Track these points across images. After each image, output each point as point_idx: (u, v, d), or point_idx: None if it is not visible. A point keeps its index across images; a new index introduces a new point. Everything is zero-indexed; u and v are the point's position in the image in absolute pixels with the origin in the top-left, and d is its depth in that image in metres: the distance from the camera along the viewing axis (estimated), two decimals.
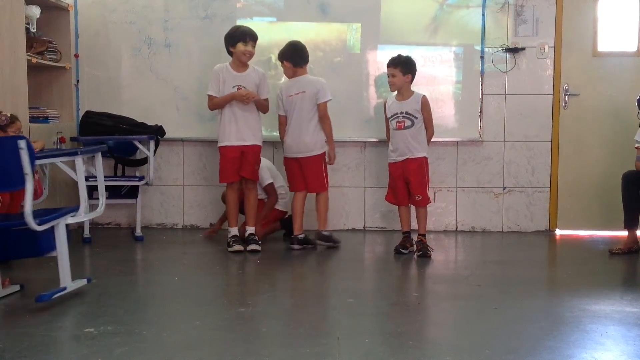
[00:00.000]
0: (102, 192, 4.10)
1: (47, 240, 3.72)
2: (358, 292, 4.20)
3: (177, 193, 5.96)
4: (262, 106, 5.15)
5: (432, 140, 5.26)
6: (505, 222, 5.92)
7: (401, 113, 5.03)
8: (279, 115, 5.23)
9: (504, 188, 5.90)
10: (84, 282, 3.94)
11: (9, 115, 4.35)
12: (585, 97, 5.81)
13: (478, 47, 5.75)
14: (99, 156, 4.09)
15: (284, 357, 2.97)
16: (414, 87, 5.12)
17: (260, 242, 5.10)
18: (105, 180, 5.45)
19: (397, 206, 5.21)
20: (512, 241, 5.65)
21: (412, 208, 5.22)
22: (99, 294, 3.93)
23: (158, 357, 2.97)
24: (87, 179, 5.23)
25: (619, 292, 4.16)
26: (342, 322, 3.50)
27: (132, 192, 5.59)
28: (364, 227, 5.97)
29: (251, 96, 5.00)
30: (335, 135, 5.73)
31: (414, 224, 5.17)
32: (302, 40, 5.29)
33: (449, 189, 5.90)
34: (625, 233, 5.11)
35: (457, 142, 5.85)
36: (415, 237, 5.10)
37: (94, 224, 5.80)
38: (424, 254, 4.93)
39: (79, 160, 3.87)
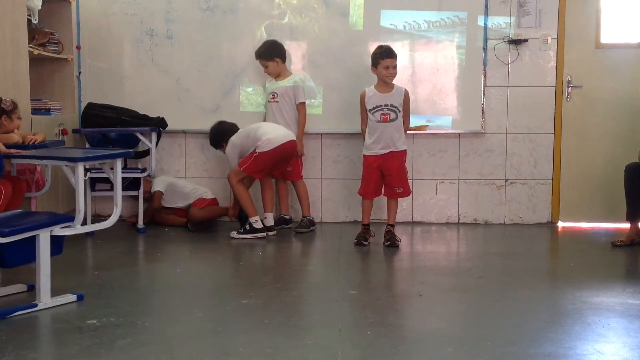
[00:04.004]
0: (118, 203, 3.78)
1: (19, 251, 3.35)
2: (360, 283, 4.22)
3: None
4: None
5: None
6: (508, 214, 5.92)
7: (385, 105, 4.97)
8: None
9: (506, 180, 5.89)
10: (72, 297, 3.57)
11: (11, 100, 4.35)
12: (588, 89, 5.80)
13: (480, 39, 5.73)
14: (118, 163, 3.77)
15: (286, 349, 2.97)
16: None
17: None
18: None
19: (362, 199, 5.16)
20: (514, 233, 5.64)
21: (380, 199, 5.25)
22: (101, 286, 3.94)
23: (160, 348, 2.98)
24: (89, 170, 5.31)
25: (621, 284, 4.16)
26: (343, 314, 3.51)
27: (134, 184, 5.59)
28: None
29: None
30: (338, 128, 5.79)
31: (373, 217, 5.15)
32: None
33: (451, 181, 5.89)
34: (627, 225, 5.11)
35: (459, 134, 5.83)
36: (378, 228, 5.11)
37: (96, 216, 5.81)
38: (392, 244, 4.94)
39: (79, 168, 3.57)
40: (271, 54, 5.49)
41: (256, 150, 5.17)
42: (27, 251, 3.40)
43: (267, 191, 5.46)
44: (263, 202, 5.45)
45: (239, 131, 5.40)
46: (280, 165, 5.37)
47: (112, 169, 3.87)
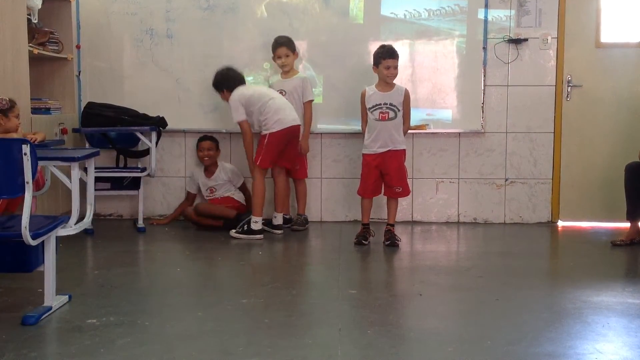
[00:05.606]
0: (90, 201, 3.72)
1: (36, 255, 3.38)
2: (360, 283, 4.22)
3: (179, 184, 5.95)
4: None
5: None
6: (508, 213, 5.92)
7: (385, 104, 4.97)
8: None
9: (506, 179, 5.89)
10: (65, 298, 3.57)
11: (7, 99, 4.32)
12: (588, 89, 5.79)
13: (481, 33, 5.72)
14: (91, 163, 3.76)
15: (285, 348, 2.97)
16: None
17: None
18: (107, 172, 5.52)
19: (361, 198, 5.16)
20: (514, 232, 5.65)
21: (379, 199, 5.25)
22: (101, 285, 3.94)
23: (160, 347, 2.98)
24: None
25: (621, 283, 4.16)
26: (343, 313, 3.51)
27: (134, 184, 5.59)
28: None
29: None
30: (339, 127, 5.78)
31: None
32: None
33: (451, 181, 5.89)
34: (627, 224, 5.11)
35: (459, 133, 5.83)
36: (375, 227, 5.12)
37: (96, 215, 5.80)
38: (392, 243, 4.95)
39: (75, 168, 3.51)
40: (293, 46, 5.48)
41: (265, 133, 5.15)
42: (39, 254, 3.41)
43: (280, 190, 5.40)
44: (275, 201, 5.41)
45: (253, 87, 5.41)
46: (285, 153, 5.28)
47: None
